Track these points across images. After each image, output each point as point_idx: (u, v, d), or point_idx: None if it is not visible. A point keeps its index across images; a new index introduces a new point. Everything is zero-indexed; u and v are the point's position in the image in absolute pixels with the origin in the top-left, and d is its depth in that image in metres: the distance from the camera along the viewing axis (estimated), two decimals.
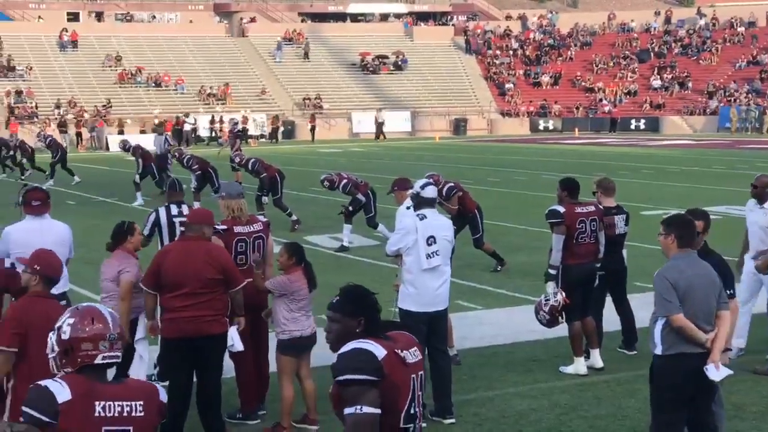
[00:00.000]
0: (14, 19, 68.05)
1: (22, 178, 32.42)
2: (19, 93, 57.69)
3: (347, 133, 60.93)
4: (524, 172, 33.79)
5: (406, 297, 8.80)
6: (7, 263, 7.46)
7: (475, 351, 11.02)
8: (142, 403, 4.21)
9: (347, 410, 4.40)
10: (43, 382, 4.18)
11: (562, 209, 10.24)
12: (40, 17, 67.73)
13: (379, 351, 4.42)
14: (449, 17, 78.58)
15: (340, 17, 76.28)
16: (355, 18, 76.31)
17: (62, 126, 53.77)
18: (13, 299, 7.09)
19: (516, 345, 11.32)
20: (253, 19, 73.04)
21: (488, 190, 26.67)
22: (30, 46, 63.25)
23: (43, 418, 4.05)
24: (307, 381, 8.60)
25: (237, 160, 23.96)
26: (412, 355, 4.58)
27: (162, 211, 10.28)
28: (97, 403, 4.13)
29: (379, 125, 59.10)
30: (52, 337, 4.36)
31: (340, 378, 4.43)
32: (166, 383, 8.05)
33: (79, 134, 54.87)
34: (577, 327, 10.19)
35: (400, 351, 4.51)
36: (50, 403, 4.07)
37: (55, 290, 7.06)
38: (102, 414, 4.12)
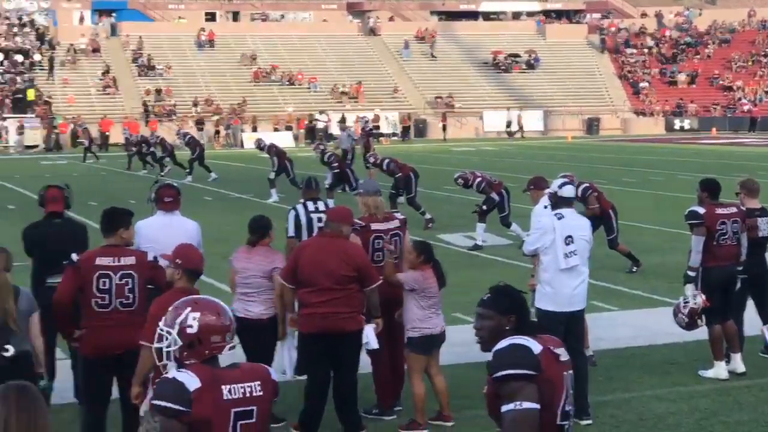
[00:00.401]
0: (155, 19, 69.80)
1: (162, 174, 33.26)
2: (158, 91, 59.21)
3: (477, 132, 60.73)
4: (660, 172, 33.17)
5: (543, 297, 8.76)
6: (150, 257, 7.63)
7: (611, 352, 10.87)
8: (259, 383, 4.39)
9: (505, 407, 4.30)
10: (170, 375, 4.33)
11: (702, 210, 10.04)
12: (180, 18, 69.33)
13: (536, 346, 4.37)
14: (582, 15, 77.62)
15: (472, 15, 76.10)
16: (487, 16, 76.02)
17: (200, 123, 55.03)
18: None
19: (653, 347, 11.12)
20: (391, 18, 73.47)
21: (623, 191, 26.26)
22: (169, 45, 64.85)
23: (178, 407, 4.18)
24: (438, 378, 8.61)
25: (372, 159, 24.15)
26: (563, 353, 4.55)
27: (300, 209, 10.39)
28: (223, 387, 4.28)
29: (516, 123, 58.98)
30: (170, 332, 4.49)
31: (498, 374, 4.34)
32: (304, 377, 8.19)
33: (216, 132, 56.06)
34: (717, 330, 9.97)
35: (553, 348, 4.48)
36: (182, 393, 4.20)
37: None
38: (229, 397, 4.29)
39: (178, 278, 6.76)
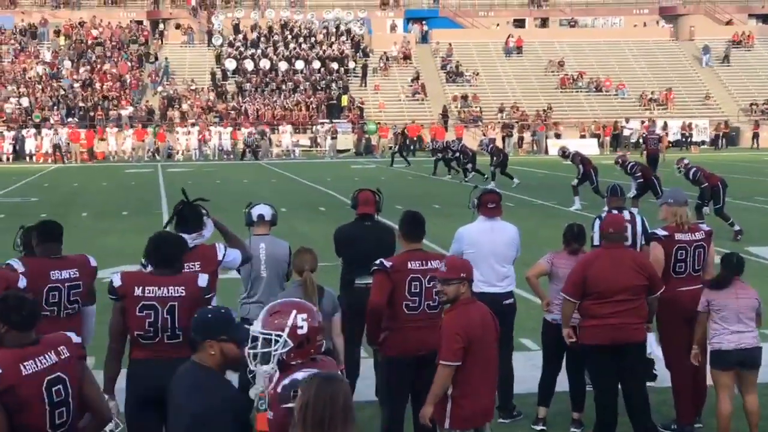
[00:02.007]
0: (464, 26, 70.89)
1: (466, 180, 33.72)
2: (465, 98, 60.10)
3: None
4: None
5: None
6: None
7: None
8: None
9: None
10: (294, 376, 4.56)
11: None
12: (497, 24, 70.00)
13: None
14: None
15: None
16: None
17: (507, 128, 55.37)
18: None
19: None
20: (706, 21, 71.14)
21: None
22: (477, 52, 65.68)
23: None
24: (750, 397, 8.16)
25: (620, 161, 25.62)
26: None
27: (605, 217, 10.22)
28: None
29: None
30: (280, 335, 4.69)
31: None
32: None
33: (521, 138, 56.21)
34: None
35: None
36: None
37: None
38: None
39: (464, 291, 6.77)
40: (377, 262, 7.69)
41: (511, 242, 9.06)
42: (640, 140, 43.27)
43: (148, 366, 6.43)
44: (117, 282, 6.55)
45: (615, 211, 10.13)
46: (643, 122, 55.35)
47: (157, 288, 6.48)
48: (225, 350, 4.99)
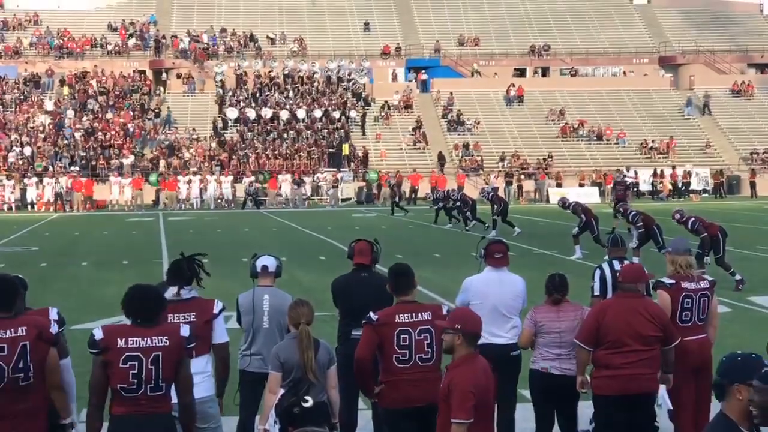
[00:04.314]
0: (465, 75, 71.27)
1: (467, 229, 33.72)
2: (466, 146, 60.28)
3: None
4: None
5: None
6: (444, 310, 7.73)
7: None
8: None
9: None
10: None
11: None
12: (496, 74, 70.40)
13: None
14: None
15: None
16: None
17: (508, 177, 55.55)
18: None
19: None
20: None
21: None
22: (478, 101, 65.99)
23: None
24: None
25: (621, 210, 25.82)
26: None
27: (606, 267, 10.19)
28: None
29: None
30: None
31: None
32: None
33: (520, 186, 56.30)
34: None
35: None
36: None
37: None
38: None
39: (459, 344, 6.70)
40: (369, 315, 7.66)
41: (518, 294, 9.01)
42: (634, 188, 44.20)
43: (130, 422, 6.36)
44: (99, 335, 6.44)
45: (616, 262, 10.10)
46: (654, 171, 55.62)
47: (140, 339, 6.40)
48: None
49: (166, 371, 6.38)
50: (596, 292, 10.00)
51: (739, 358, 4.76)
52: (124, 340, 6.39)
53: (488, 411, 6.66)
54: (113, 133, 59.36)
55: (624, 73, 71.83)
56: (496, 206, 33.26)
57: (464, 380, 6.52)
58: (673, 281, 8.80)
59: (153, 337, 6.42)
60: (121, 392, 6.42)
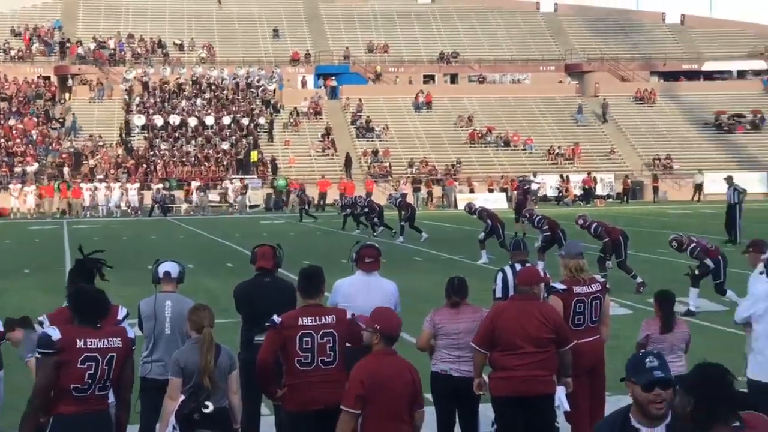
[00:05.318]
0: (374, 82, 71.50)
1: (375, 235, 33.82)
2: (375, 152, 60.45)
3: (693, 194, 58.99)
4: None
5: (755, 366, 8.37)
6: (349, 314, 7.79)
7: None
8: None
9: None
10: None
11: None
12: (410, 81, 70.75)
13: None
14: None
15: (695, 75, 74.34)
16: (710, 76, 74.11)
17: (416, 183, 55.85)
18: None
19: None
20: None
21: None
22: (387, 107, 66.23)
23: None
24: None
25: (527, 215, 26.71)
26: None
27: (508, 270, 10.31)
28: None
29: (697, 186, 57.01)
30: None
31: None
32: None
33: (430, 193, 56.65)
34: None
35: None
36: None
37: None
38: None
39: (376, 343, 6.81)
40: (273, 318, 7.66)
41: (387, 298, 8.82)
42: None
43: (77, 420, 6.41)
44: (56, 335, 6.43)
45: (518, 265, 10.23)
46: (560, 176, 56.49)
47: (97, 340, 6.50)
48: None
49: (116, 371, 6.56)
50: (498, 295, 10.13)
51: (630, 358, 5.00)
52: (83, 340, 6.44)
53: (394, 410, 6.67)
54: (17, 140, 58.25)
55: (531, 80, 72.75)
56: (403, 212, 33.44)
57: (359, 370, 6.62)
58: (565, 287, 8.93)
59: (108, 339, 6.55)
60: (72, 392, 6.43)
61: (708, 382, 4.43)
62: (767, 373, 8.24)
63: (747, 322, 8.61)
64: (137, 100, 63.63)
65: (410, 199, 45.25)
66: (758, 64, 75.13)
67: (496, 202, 50.24)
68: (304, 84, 70.87)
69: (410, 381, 6.78)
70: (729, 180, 32.58)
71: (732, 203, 30.88)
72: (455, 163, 59.63)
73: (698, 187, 57.22)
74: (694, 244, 18.28)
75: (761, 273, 9.80)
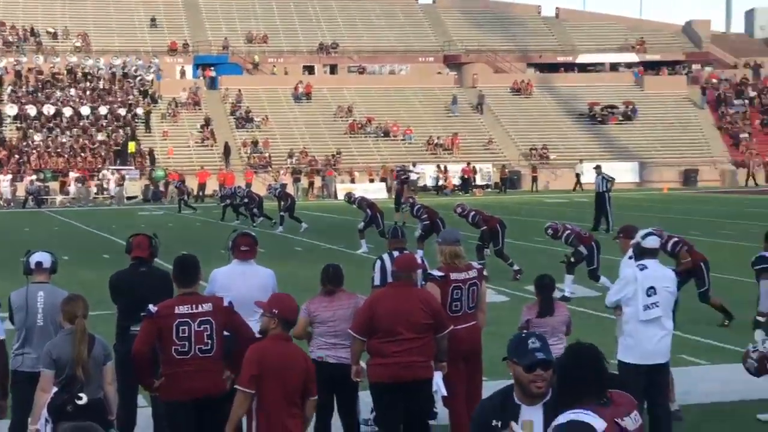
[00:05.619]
0: (254, 73, 71.05)
1: (254, 225, 33.64)
2: (255, 143, 60.10)
3: (574, 184, 60.23)
4: (763, 225, 32.42)
5: (624, 348, 8.65)
6: (225, 302, 7.76)
7: (698, 407, 10.58)
8: None
9: None
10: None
11: None
12: (286, 71, 70.42)
13: (599, 423, 4.28)
14: (682, 66, 76.71)
15: (569, 67, 75.83)
16: (584, 68, 75.66)
17: (296, 174, 55.74)
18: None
19: (743, 402, 10.79)
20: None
21: (719, 243, 25.73)
22: (267, 98, 65.87)
23: None
24: None
25: (407, 205, 26.83)
26: (633, 420, 4.43)
27: (386, 258, 10.35)
28: None
29: (577, 176, 58.30)
30: None
31: None
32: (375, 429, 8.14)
33: (311, 183, 56.60)
34: None
35: (621, 420, 4.36)
36: None
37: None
38: None
39: (274, 327, 6.84)
40: (149, 308, 7.60)
41: (264, 286, 8.83)
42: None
43: None
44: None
45: (396, 253, 10.27)
46: (437, 166, 57.06)
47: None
48: None
49: None
50: (376, 283, 10.16)
51: (512, 338, 5.14)
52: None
53: (288, 395, 6.73)
54: None
55: (410, 70, 73.19)
56: (283, 202, 33.34)
57: (255, 352, 6.72)
58: (443, 273, 8.99)
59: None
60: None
61: (580, 361, 4.58)
62: (635, 355, 8.50)
63: (617, 306, 8.84)
64: (9, 89, 61.99)
65: (290, 189, 45.14)
66: (630, 57, 77.01)
67: (377, 192, 50.48)
68: (182, 74, 69.98)
69: (304, 368, 6.86)
70: (598, 169, 33.52)
71: (600, 191, 31.69)
72: (335, 153, 59.67)
73: (578, 177, 58.37)
74: (568, 232, 18.68)
75: (630, 258, 10.10)
